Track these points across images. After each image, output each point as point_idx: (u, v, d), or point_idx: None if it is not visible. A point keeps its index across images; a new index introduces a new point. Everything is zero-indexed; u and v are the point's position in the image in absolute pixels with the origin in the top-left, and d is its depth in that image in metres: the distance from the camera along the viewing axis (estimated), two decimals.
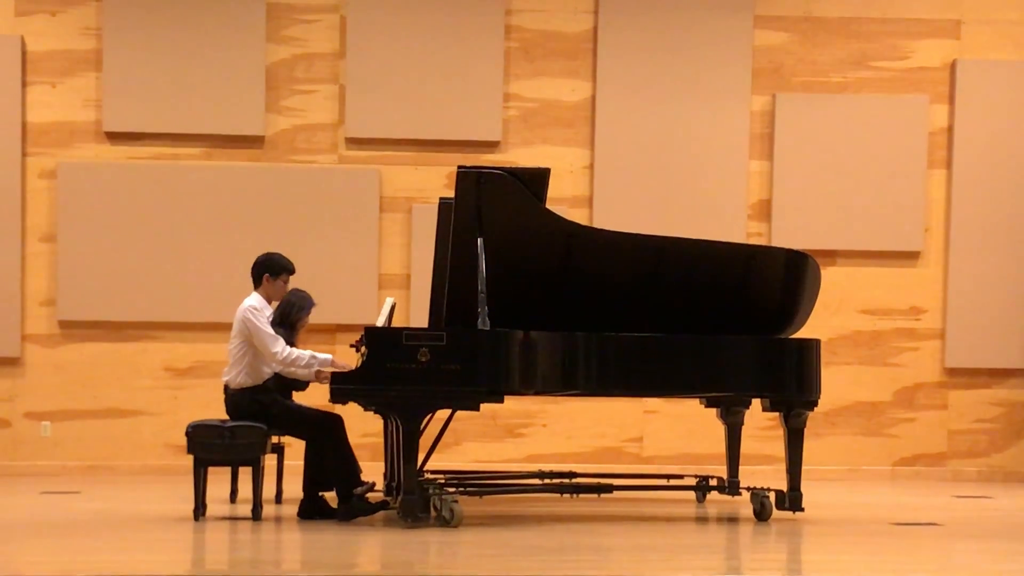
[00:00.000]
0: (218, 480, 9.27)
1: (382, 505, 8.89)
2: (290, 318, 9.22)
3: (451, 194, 8.71)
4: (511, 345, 8.34)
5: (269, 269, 8.91)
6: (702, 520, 9.30)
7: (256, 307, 8.75)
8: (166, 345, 12.03)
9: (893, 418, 12.45)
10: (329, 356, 8.74)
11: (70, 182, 11.92)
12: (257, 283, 8.93)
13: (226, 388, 8.86)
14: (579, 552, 7.60)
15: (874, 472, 12.40)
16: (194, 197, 11.97)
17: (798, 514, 9.04)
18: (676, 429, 12.24)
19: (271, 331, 8.68)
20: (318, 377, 8.68)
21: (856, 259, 12.42)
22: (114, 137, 12.04)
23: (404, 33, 12.10)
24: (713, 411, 10.00)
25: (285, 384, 9.04)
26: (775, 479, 9.85)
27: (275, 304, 9.05)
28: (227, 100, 12.02)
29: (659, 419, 12.28)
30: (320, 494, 8.81)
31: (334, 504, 8.75)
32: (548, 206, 8.77)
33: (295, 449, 10.19)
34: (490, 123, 12.20)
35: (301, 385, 9.21)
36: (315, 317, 9.73)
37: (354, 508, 8.67)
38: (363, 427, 10.91)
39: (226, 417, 8.81)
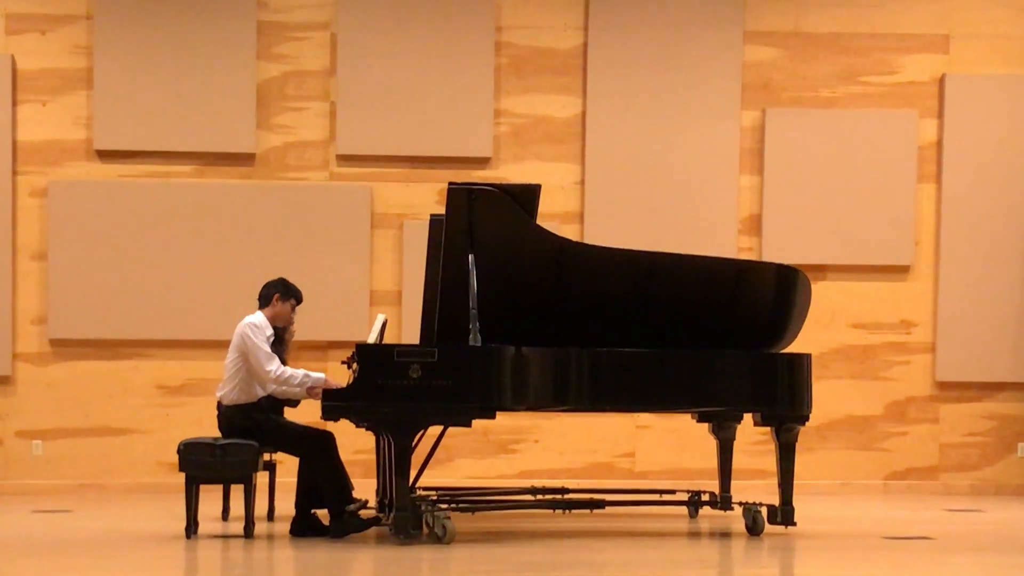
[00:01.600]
0: (210, 498, 9.26)
1: (374, 522, 8.88)
2: (277, 331, 9.24)
3: (442, 210, 8.73)
4: (503, 361, 8.35)
5: (281, 291, 8.92)
6: (694, 535, 9.31)
7: (257, 324, 8.77)
8: (157, 363, 12.02)
9: (884, 432, 12.46)
10: (322, 375, 8.75)
11: (61, 200, 11.92)
12: (265, 303, 8.93)
13: (219, 405, 8.86)
14: (572, 568, 7.60)
15: (866, 486, 12.40)
16: (185, 215, 11.97)
17: (790, 528, 9.04)
18: (668, 444, 12.25)
19: (268, 349, 8.68)
20: (310, 393, 8.68)
21: (846, 273, 12.44)
22: (105, 155, 12.04)
23: (394, 50, 12.12)
24: (705, 426, 10.00)
25: (277, 401, 9.04)
26: (767, 494, 9.86)
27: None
28: (218, 118, 12.03)
29: (651, 434, 12.29)
30: (312, 511, 8.80)
31: (326, 521, 8.74)
32: (539, 222, 8.79)
33: (287, 466, 10.19)
34: (481, 139, 12.22)
35: (293, 402, 9.21)
36: (307, 334, 9.77)
37: (346, 525, 8.66)
38: (355, 444, 10.90)
39: (218, 434, 8.81)
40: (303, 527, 8.76)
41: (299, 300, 9.03)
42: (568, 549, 8.32)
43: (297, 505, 8.82)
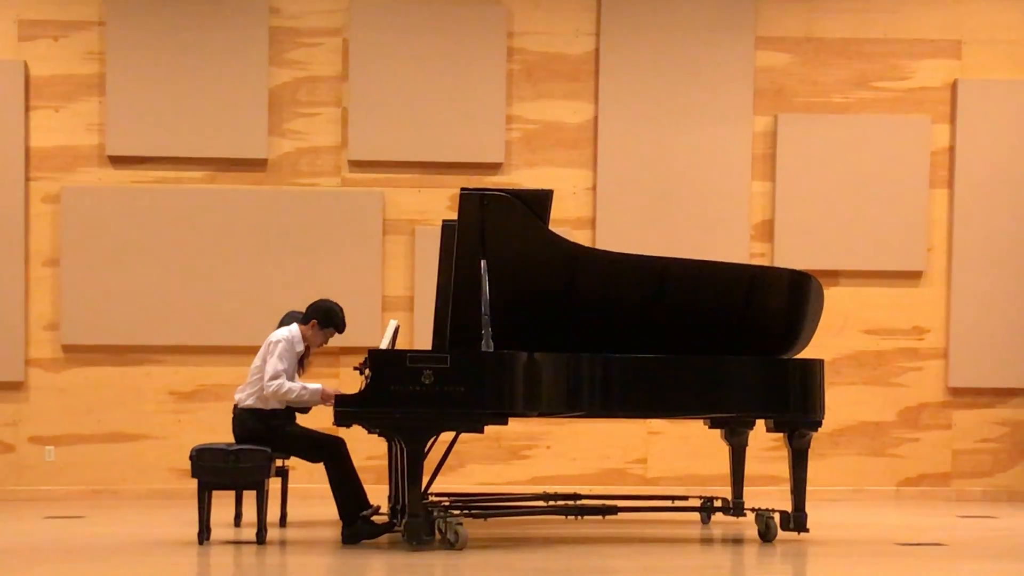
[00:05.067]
0: (222, 504, 9.26)
1: (387, 528, 8.88)
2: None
3: (454, 216, 8.73)
4: (515, 367, 8.34)
5: (321, 317, 8.91)
6: (707, 541, 9.30)
7: (288, 338, 8.79)
8: (170, 369, 12.03)
9: (897, 438, 12.44)
10: (319, 387, 8.71)
11: (73, 206, 11.94)
12: (305, 320, 8.94)
13: (235, 406, 8.88)
14: (584, 574, 7.59)
15: (879, 492, 12.38)
16: (197, 220, 11.99)
17: (803, 535, 9.03)
18: (680, 450, 12.23)
19: (282, 366, 8.68)
20: (324, 400, 8.68)
21: (859, 279, 12.43)
22: (117, 161, 12.06)
23: (406, 56, 12.13)
24: (717, 432, 9.99)
25: (289, 407, 9.04)
26: (780, 500, 9.84)
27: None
28: (230, 123, 12.04)
29: (663, 440, 12.28)
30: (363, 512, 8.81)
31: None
32: (551, 227, 8.78)
33: (299, 472, 10.21)
34: (493, 145, 12.22)
35: (304, 408, 9.21)
36: None
37: (359, 531, 8.67)
38: (367, 450, 10.90)
39: (230, 439, 8.82)
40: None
41: (340, 330, 9.01)
42: (580, 555, 8.32)
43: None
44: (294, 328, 8.91)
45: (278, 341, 8.78)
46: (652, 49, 12.27)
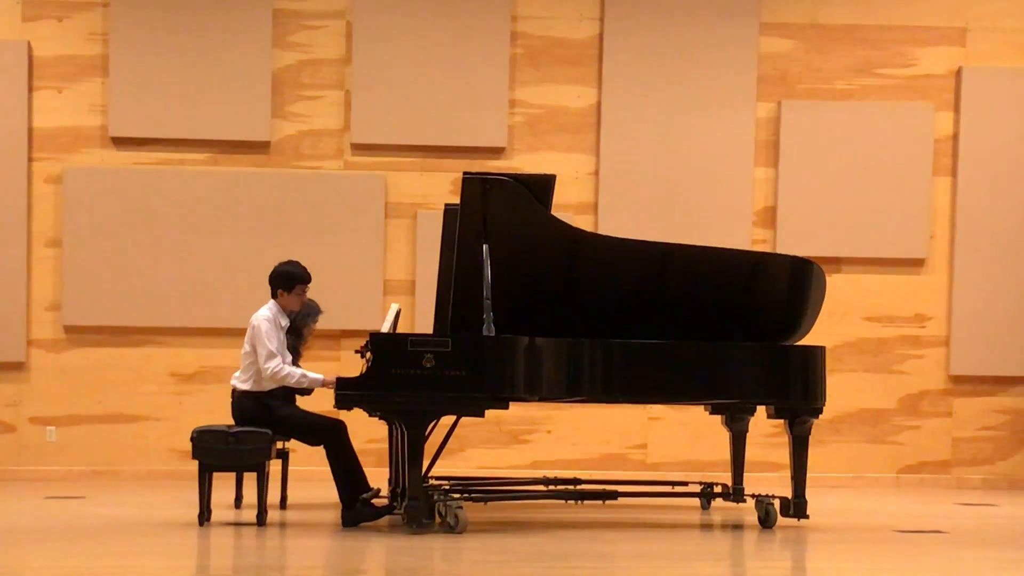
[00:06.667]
0: (223, 485, 9.27)
1: (387, 511, 8.89)
2: (296, 323, 9.24)
3: (456, 200, 8.73)
4: (516, 351, 8.35)
5: (282, 284, 8.90)
6: (707, 527, 9.31)
7: (269, 317, 8.78)
8: (171, 350, 12.04)
9: (898, 425, 12.45)
10: (320, 376, 8.73)
11: (76, 187, 11.93)
12: (273, 295, 8.94)
13: (233, 391, 8.88)
14: (584, 559, 7.60)
15: (879, 479, 12.39)
16: (200, 202, 11.98)
17: (802, 521, 9.04)
18: (681, 436, 12.24)
19: (272, 346, 8.67)
20: (326, 384, 8.68)
21: (861, 266, 12.42)
22: (120, 142, 12.05)
23: (410, 39, 12.11)
24: (718, 418, 9.99)
25: (289, 390, 9.05)
26: (780, 486, 9.85)
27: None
28: (233, 106, 12.03)
29: (664, 426, 12.28)
30: (363, 495, 8.81)
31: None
32: (553, 212, 8.78)
33: (300, 455, 10.22)
34: (495, 129, 12.21)
35: (306, 391, 9.22)
36: (320, 322, 9.77)
37: (359, 514, 8.68)
38: (368, 433, 10.91)
39: (231, 422, 8.83)
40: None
41: (305, 281, 8.98)
42: (580, 540, 8.33)
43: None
44: (271, 304, 8.90)
45: (259, 323, 8.77)
46: (656, 34, 12.25)
